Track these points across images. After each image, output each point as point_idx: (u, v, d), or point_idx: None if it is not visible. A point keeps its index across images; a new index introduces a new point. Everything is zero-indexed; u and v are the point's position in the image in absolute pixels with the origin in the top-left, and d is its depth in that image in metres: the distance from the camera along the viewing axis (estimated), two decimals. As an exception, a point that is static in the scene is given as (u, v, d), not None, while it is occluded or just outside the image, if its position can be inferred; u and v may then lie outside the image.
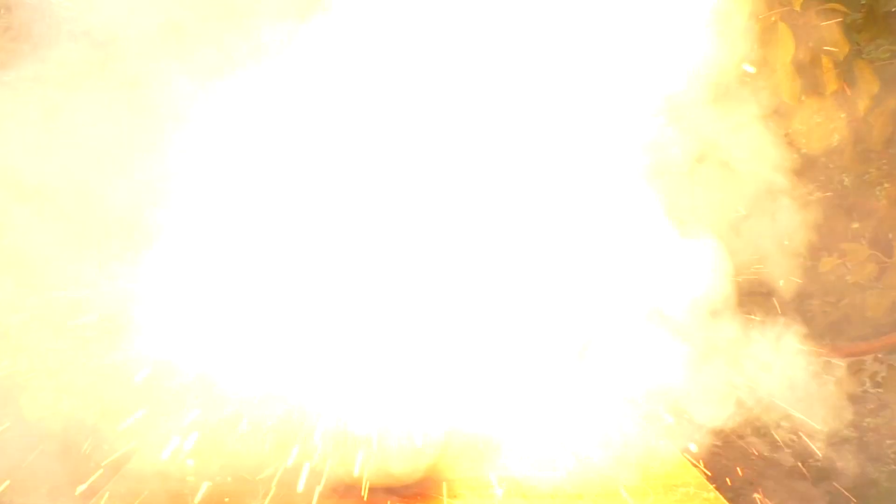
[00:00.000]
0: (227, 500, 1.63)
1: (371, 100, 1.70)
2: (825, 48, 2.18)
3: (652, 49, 1.78)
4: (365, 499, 1.62)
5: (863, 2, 2.32)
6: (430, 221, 1.70)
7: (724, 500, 1.57)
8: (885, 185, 3.11)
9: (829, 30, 2.17)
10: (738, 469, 4.21)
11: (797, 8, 2.13)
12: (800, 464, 4.27)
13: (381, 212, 1.70)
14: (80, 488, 1.60)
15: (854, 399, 4.64)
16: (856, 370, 2.71)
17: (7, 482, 1.86)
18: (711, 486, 1.65)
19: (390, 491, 1.65)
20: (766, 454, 4.49)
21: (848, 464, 4.03)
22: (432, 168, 1.71)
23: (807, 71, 2.22)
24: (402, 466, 1.59)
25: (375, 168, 1.71)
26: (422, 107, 1.70)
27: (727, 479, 3.91)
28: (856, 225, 3.81)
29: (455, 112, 1.70)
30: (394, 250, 1.69)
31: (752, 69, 2.11)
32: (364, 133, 1.71)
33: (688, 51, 1.83)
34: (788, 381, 1.93)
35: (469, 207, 1.71)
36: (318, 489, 1.65)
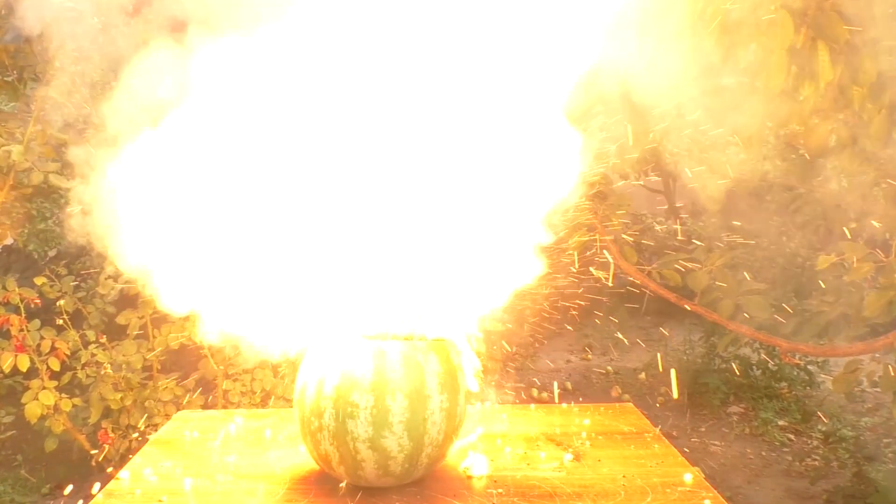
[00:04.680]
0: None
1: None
2: (822, 36, 2.10)
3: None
4: (365, 499, 1.63)
5: None
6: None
7: (724, 500, 1.58)
8: (883, 184, 3.11)
9: (826, 18, 2.10)
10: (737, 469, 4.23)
11: None
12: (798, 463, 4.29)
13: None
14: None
15: (852, 399, 4.66)
16: (853, 370, 2.71)
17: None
18: (711, 486, 1.65)
19: (390, 491, 1.65)
20: (764, 453, 4.50)
21: (845, 463, 4.05)
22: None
23: (802, 59, 2.17)
24: (402, 465, 1.60)
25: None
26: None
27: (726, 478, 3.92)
28: (853, 224, 3.83)
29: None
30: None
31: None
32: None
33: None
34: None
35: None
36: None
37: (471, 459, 1.79)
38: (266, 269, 1.79)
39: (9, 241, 3.36)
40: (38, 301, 3.36)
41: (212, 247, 1.80)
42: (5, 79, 3.64)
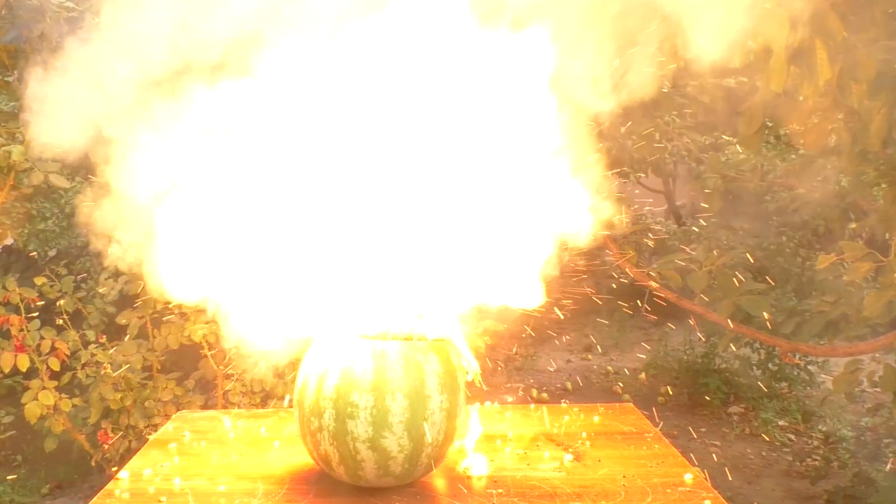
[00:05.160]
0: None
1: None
2: (819, 34, 2.09)
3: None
4: (365, 499, 1.63)
5: None
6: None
7: (724, 500, 1.58)
8: (883, 185, 3.11)
9: (823, 15, 2.10)
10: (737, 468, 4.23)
11: None
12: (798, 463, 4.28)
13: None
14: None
15: (852, 399, 4.65)
16: (853, 370, 2.71)
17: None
18: (711, 486, 1.65)
19: (390, 491, 1.65)
20: (764, 453, 4.50)
21: (846, 463, 4.05)
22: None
23: (800, 59, 2.16)
24: (402, 465, 1.60)
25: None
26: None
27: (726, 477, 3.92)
28: (853, 224, 3.83)
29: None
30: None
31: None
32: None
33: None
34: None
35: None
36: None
37: (471, 459, 1.79)
38: (267, 269, 1.79)
39: (9, 241, 3.35)
40: (38, 301, 3.35)
41: (213, 246, 1.80)
42: (5, 79, 3.64)
